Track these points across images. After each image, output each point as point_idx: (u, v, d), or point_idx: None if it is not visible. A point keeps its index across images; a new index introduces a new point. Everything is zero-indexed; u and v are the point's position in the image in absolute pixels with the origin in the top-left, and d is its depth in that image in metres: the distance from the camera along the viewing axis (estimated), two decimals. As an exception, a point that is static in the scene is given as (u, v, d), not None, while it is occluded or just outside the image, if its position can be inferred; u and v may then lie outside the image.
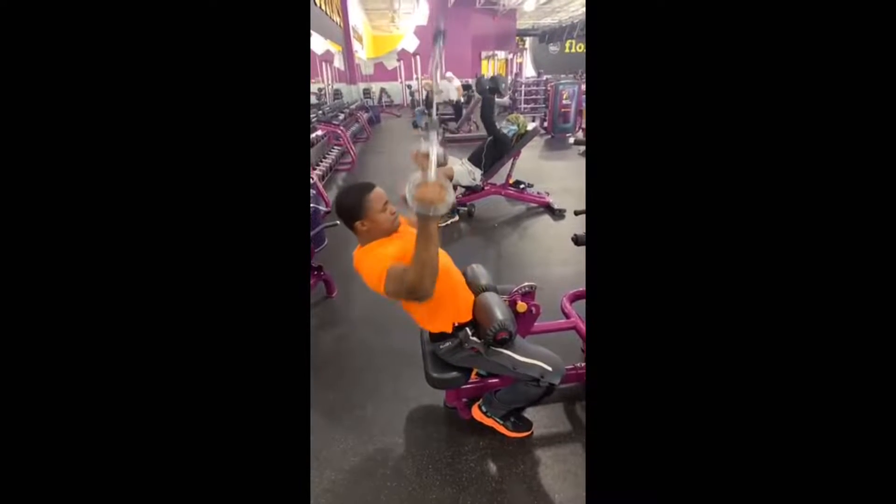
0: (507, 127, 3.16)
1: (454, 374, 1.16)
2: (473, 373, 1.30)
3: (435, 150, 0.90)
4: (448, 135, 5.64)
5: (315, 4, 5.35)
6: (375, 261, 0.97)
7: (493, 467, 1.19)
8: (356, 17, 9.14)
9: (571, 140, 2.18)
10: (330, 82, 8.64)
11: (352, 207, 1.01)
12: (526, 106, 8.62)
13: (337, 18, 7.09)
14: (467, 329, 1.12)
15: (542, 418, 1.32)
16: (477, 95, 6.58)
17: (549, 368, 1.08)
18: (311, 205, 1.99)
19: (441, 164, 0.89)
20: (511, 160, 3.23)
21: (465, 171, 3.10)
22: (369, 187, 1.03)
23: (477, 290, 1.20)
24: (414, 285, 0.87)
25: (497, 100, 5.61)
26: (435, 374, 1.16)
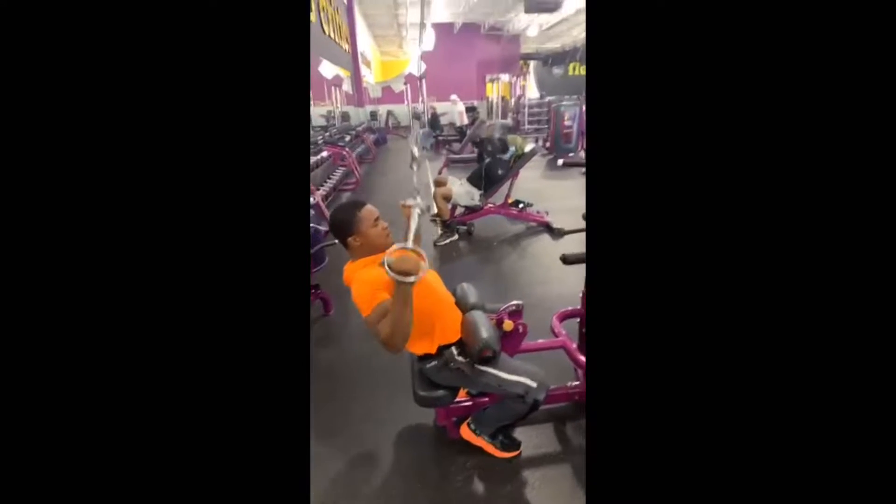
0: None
1: (441, 392, 1.17)
2: (463, 392, 1.30)
3: (416, 219, 0.99)
4: (451, 155, 5.75)
5: (324, 33, 5.59)
6: (366, 285, 1.00)
7: (480, 487, 1.18)
8: (365, 43, 9.49)
9: (560, 162, 2.20)
10: (338, 105, 8.93)
11: (344, 223, 1.06)
12: (530, 126, 8.77)
13: (346, 45, 7.38)
14: (453, 348, 1.13)
15: (531, 438, 1.31)
16: (481, 118, 6.72)
17: (534, 385, 1.08)
18: (311, 224, 2.05)
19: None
20: (510, 180, 3.29)
21: (464, 191, 3.16)
22: (360, 204, 1.09)
23: (465, 308, 1.23)
24: (385, 340, 0.94)
25: (501, 121, 5.74)
26: (422, 393, 1.17)
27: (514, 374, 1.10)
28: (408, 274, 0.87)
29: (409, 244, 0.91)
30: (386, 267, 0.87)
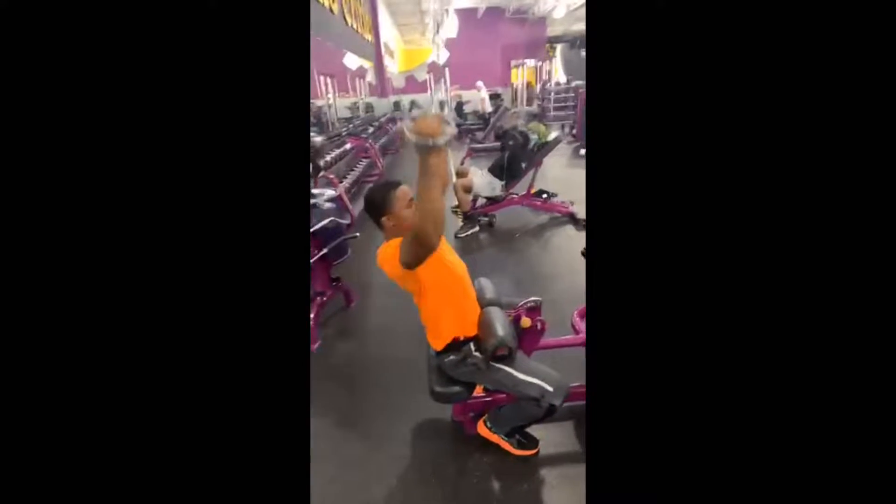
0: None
1: (457, 388, 1.16)
2: (480, 388, 1.29)
3: (439, 96, 0.89)
4: (473, 145, 5.67)
5: (346, 24, 5.59)
6: (397, 243, 0.98)
7: (496, 485, 1.18)
8: (388, 33, 9.45)
9: (582, 152, 2.11)
10: (363, 97, 8.96)
11: (378, 202, 1.06)
12: (556, 113, 8.51)
13: (368, 37, 7.37)
14: (471, 344, 1.12)
15: (551, 437, 1.29)
16: (504, 105, 6.57)
17: (550, 388, 1.05)
18: (332, 218, 2.06)
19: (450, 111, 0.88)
20: (533, 170, 3.20)
21: (485, 182, 3.11)
22: (396, 184, 1.08)
23: (482, 304, 1.21)
24: (417, 233, 0.84)
25: (526, 108, 5.55)
26: (438, 388, 1.17)
27: (529, 376, 1.07)
28: (430, 135, 0.77)
29: (433, 110, 0.83)
30: (405, 129, 0.78)
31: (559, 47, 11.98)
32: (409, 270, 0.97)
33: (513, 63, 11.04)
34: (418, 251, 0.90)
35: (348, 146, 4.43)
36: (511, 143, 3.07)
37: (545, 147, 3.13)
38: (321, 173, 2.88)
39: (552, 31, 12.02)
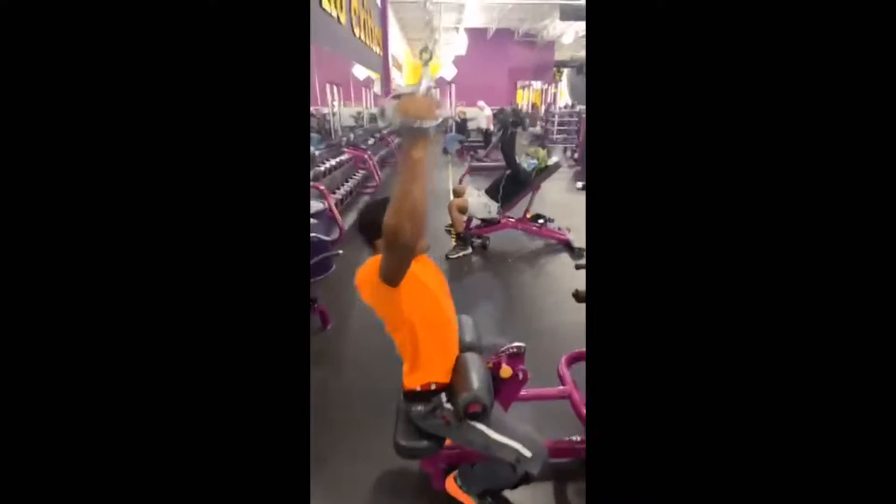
0: (526, 161, 3.07)
1: (425, 443, 1.03)
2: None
3: (426, 81, 0.73)
4: (475, 162, 5.61)
5: (355, 36, 5.60)
6: (377, 260, 0.85)
7: (461, 556, 1.04)
8: (397, 46, 9.53)
9: (579, 185, 2.03)
10: (368, 107, 8.99)
11: (374, 223, 0.89)
12: (558, 136, 8.52)
13: (377, 49, 7.41)
14: (443, 395, 1.00)
15: (526, 499, 1.15)
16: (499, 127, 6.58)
17: (528, 454, 0.93)
18: (313, 234, 1.96)
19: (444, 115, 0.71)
20: (530, 194, 3.12)
21: (481, 203, 3.02)
22: None
23: (461, 346, 1.09)
24: (390, 228, 0.70)
25: (531, 130, 5.55)
26: (403, 442, 1.04)
27: (506, 437, 0.94)
28: (418, 116, 0.64)
29: (422, 89, 0.68)
30: (388, 111, 0.65)
31: (566, 71, 12.13)
32: (389, 290, 0.83)
33: (519, 84, 11.15)
34: (395, 254, 0.76)
35: (345, 157, 4.36)
36: (511, 119, 3.01)
37: (545, 172, 3.06)
38: (311, 184, 2.78)
39: (560, 55, 12.21)
